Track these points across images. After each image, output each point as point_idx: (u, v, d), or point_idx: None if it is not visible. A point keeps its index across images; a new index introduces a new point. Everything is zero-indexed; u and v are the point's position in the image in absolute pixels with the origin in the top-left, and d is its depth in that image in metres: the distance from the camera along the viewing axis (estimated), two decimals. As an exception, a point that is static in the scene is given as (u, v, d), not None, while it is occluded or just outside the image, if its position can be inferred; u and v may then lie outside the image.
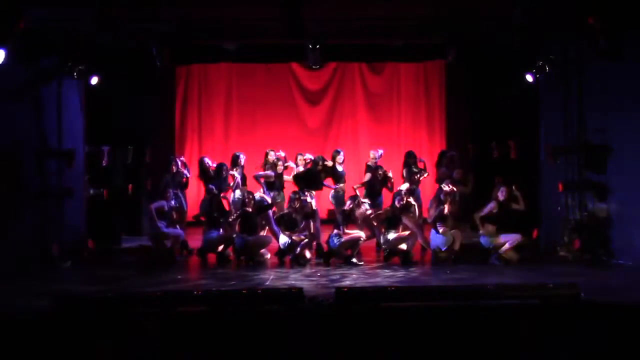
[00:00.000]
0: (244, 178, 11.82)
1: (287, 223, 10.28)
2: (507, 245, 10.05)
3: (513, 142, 12.42)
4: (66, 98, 10.74)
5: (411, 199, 10.35)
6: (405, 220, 10.15)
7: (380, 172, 11.30)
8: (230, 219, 10.53)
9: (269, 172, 11.65)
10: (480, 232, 10.24)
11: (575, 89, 10.68)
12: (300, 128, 15.14)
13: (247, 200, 10.49)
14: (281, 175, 11.67)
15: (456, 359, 6.28)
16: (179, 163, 11.85)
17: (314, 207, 10.43)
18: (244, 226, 10.30)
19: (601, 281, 8.57)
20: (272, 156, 11.76)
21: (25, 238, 10.00)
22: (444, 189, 10.55)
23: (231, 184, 11.50)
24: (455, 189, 10.72)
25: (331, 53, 12.00)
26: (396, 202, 10.30)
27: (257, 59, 13.44)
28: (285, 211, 10.64)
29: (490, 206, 10.21)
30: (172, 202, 10.81)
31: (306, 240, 10.22)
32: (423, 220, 11.11)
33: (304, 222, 10.29)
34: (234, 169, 11.64)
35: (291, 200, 10.51)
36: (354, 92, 15.26)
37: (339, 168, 11.65)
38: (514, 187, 10.29)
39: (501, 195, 10.19)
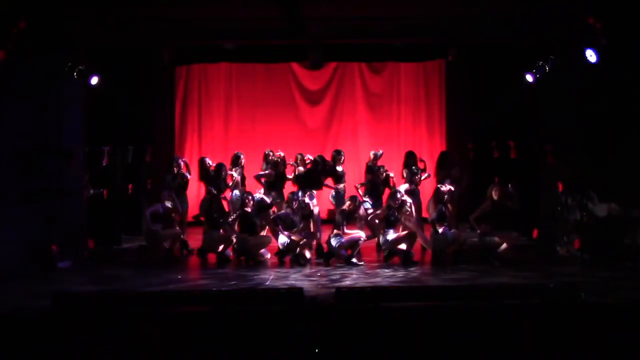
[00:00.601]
0: (243, 178, 11.82)
1: (283, 223, 10.28)
2: (505, 245, 10.05)
3: (513, 142, 12.43)
4: (66, 98, 10.72)
5: (406, 198, 10.33)
6: (405, 220, 10.14)
7: (382, 172, 11.30)
8: (230, 219, 10.53)
9: (270, 172, 11.65)
10: (478, 232, 10.24)
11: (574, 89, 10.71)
12: (300, 128, 15.15)
13: (246, 200, 10.48)
14: (282, 175, 11.66)
15: (456, 359, 6.27)
16: (181, 164, 11.84)
17: (312, 207, 10.42)
18: (244, 226, 10.30)
19: (601, 281, 8.56)
20: (271, 156, 11.76)
21: (25, 238, 9.99)
22: (442, 189, 10.54)
23: (230, 184, 11.50)
24: (452, 188, 10.72)
25: (331, 53, 12.03)
26: (391, 202, 10.29)
27: (257, 59, 13.49)
28: (283, 211, 10.63)
29: (484, 205, 10.19)
30: (167, 204, 10.79)
31: (306, 240, 10.22)
32: (423, 220, 11.11)
33: (303, 222, 10.29)
34: (234, 169, 11.64)
35: (289, 200, 10.51)
36: (354, 91, 15.26)
37: (339, 168, 11.64)
38: (509, 186, 10.28)
39: (495, 194, 10.18)
